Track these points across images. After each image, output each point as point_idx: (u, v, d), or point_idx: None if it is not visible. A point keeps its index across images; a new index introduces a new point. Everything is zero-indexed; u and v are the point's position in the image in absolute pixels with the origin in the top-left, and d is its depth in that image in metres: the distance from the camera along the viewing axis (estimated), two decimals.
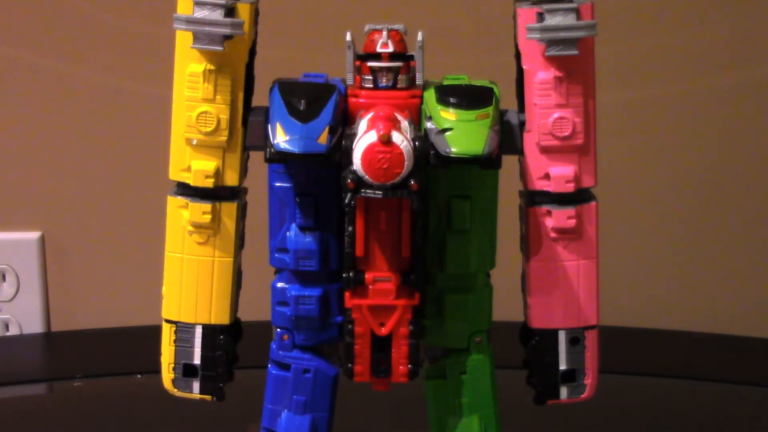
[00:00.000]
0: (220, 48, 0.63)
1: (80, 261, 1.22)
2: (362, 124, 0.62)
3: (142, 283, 1.18)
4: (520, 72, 0.65)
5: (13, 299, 1.21)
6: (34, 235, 1.21)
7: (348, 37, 0.64)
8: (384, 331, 0.64)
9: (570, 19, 0.63)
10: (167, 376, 0.68)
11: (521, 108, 0.66)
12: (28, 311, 1.21)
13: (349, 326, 0.64)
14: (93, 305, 1.22)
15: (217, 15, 0.63)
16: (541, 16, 0.63)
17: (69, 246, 1.21)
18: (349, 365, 0.65)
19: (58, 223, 1.21)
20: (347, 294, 0.64)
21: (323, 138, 0.61)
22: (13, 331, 1.22)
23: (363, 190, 0.60)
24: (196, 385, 0.67)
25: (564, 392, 0.68)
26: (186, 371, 0.67)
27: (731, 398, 1.04)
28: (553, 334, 0.67)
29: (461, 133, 0.62)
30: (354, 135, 0.61)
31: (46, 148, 1.19)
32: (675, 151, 1.20)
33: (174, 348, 0.67)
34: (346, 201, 0.60)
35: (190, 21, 0.63)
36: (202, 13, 0.63)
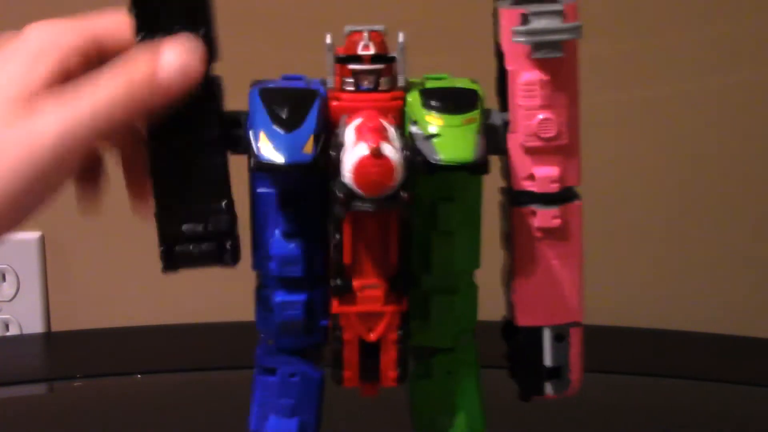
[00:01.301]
0: None
1: (80, 261, 1.22)
2: (348, 133, 0.61)
3: (142, 283, 1.19)
4: (500, 71, 0.65)
5: (13, 299, 1.22)
6: (34, 235, 1.21)
7: (328, 40, 0.63)
8: (373, 337, 0.64)
9: (556, 22, 0.63)
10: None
11: (503, 107, 0.66)
12: (28, 311, 1.22)
13: (337, 333, 0.64)
14: (93, 305, 1.23)
15: None
16: (525, 18, 0.63)
17: (69, 246, 1.22)
18: (338, 371, 0.64)
19: (58, 223, 1.21)
20: (335, 301, 0.63)
21: (308, 147, 0.61)
22: (13, 331, 1.22)
23: (354, 203, 0.59)
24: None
25: (549, 388, 0.68)
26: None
27: (731, 398, 1.04)
28: (537, 331, 0.67)
29: (449, 139, 0.61)
30: (341, 145, 0.60)
31: None
32: (671, 150, 1.20)
33: None
34: (336, 214, 0.60)
35: None
36: None
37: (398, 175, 0.59)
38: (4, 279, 1.21)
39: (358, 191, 0.59)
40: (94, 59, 0.61)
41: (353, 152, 0.59)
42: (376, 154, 0.58)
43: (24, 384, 1.10)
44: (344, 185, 0.59)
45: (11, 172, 0.57)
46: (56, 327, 1.23)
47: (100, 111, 0.59)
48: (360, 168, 0.58)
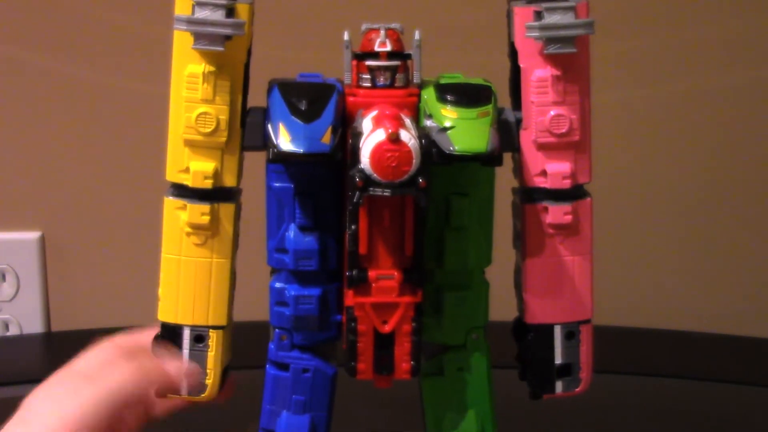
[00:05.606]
0: (220, 48, 0.63)
1: (80, 261, 1.22)
2: (366, 123, 0.62)
3: (142, 283, 1.18)
4: (514, 70, 0.66)
5: (13, 299, 1.21)
6: (34, 235, 1.21)
7: (345, 37, 0.64)
8: (387, 328, 0.64)
9: (569, 18, 0.64)
10: None
11: (515, 106, 0.66)
12: (28, 311, 1.21)
13: (352, 324, 0.64)
14: (93, 305, 1.22)
15: (219, 15, 0.63)
16: (539, 15, 0.64)
17: (69, 246, 1.21)
18: (352, 363, 0.65)
19: (58, 223, 1.21)
20: (350, 292, 0.63)
21: (326, 138, 0.61)
22: (13, 331, 1.22)
23: (371, 189, 0.60)
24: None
25: (559, 386, 0.68)
26: None
27: (731, 398, 1.04)
28: (548, 329, 0.67)
29: (463, 130, 0.62)
30: (360, 134, 0.61)
31: (46, 148, 1.19)
32: (675, 149, 1.20)
33: None
34: (355, 199, 0.60)
35: (191, 21, 0.63)
36: (203, 14, 0.63)
37: (415, 160, 0.59)
38: (4, 279, 1.21)
39: (375, 176, 0.60)
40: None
41: (371, 138, 0.60)
42: (393, 138, 0.59)
43: (24, 384, 1.08)
44: (362, 170, 0.60)
45: None
46: (56, 327, 1.23)
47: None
48: (377, 152, 0.59)
